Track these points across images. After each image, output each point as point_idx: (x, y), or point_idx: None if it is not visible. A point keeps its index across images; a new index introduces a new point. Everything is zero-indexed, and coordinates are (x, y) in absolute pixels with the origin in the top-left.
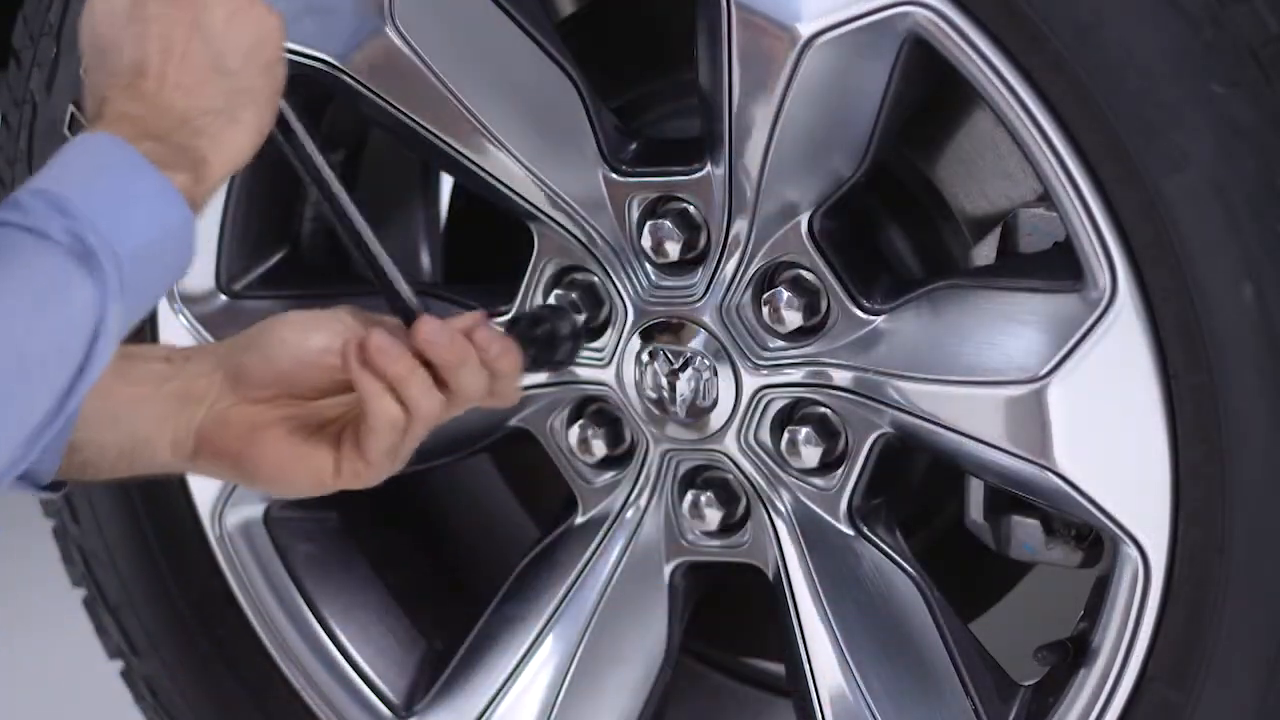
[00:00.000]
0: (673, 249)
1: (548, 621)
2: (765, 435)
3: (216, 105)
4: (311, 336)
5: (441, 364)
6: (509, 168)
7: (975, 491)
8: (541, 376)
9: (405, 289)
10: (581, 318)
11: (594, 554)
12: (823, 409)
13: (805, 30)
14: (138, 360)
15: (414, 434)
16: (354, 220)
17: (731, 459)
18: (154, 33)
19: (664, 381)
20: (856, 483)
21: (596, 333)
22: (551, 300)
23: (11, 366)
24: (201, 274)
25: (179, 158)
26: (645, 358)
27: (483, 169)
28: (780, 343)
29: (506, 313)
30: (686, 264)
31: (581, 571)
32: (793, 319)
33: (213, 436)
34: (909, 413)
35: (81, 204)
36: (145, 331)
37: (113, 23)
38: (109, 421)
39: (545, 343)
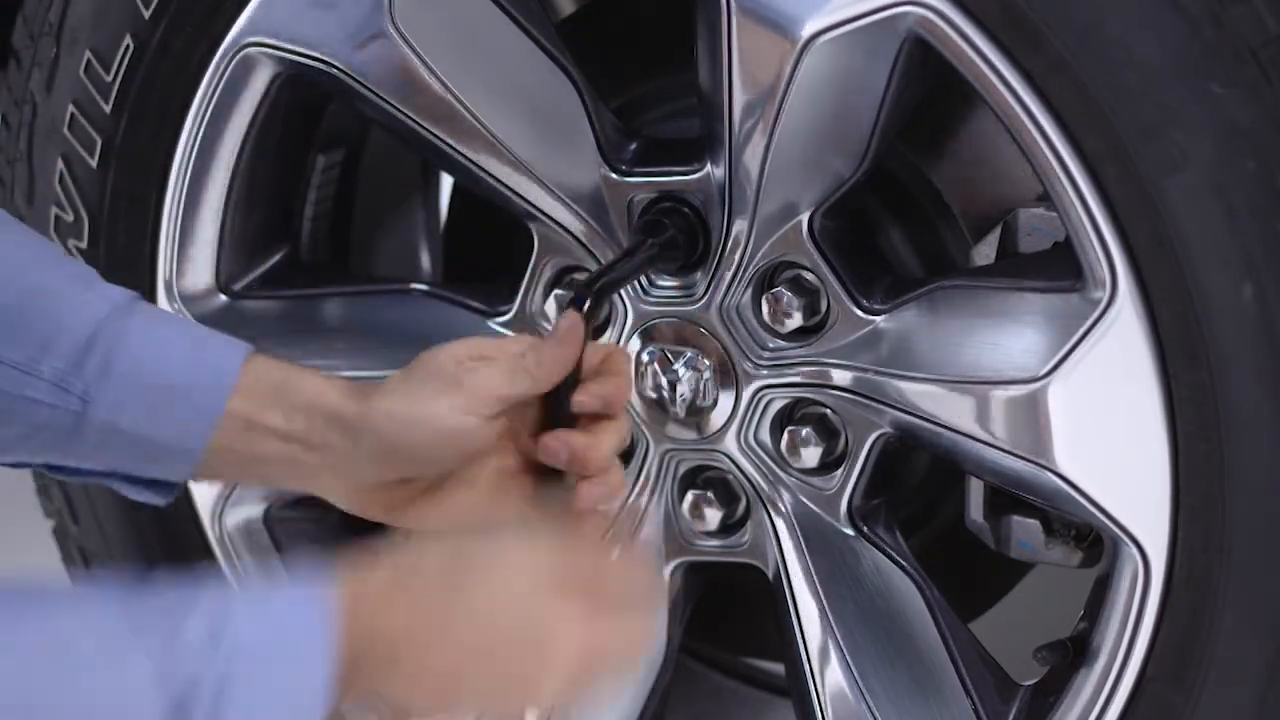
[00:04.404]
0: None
1: None
2: (765, 435)
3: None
4: (448, 451)
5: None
6: (509, 168)
7: (975, 491)
8: None
9: None
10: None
11: None
12: (823, 409)
13: (805, 30)
14: (255, 430)
15: None
16: None
17: (731, 459)
18: (500, 653)
19: (664, 381)
20: (856, 483)
21: (596, 333)
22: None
23: None
24: (200, 273)
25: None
26: (645, 358)
27: (483, 169)
28: (780, 343)
29: (507, 312)
30: (686, 264)
31: None
32: (793, 319)
33: (361, 510)
34: (909, 413)
35: (239, 695)
36: None
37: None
38: (239, 469)
39: (666, 248)
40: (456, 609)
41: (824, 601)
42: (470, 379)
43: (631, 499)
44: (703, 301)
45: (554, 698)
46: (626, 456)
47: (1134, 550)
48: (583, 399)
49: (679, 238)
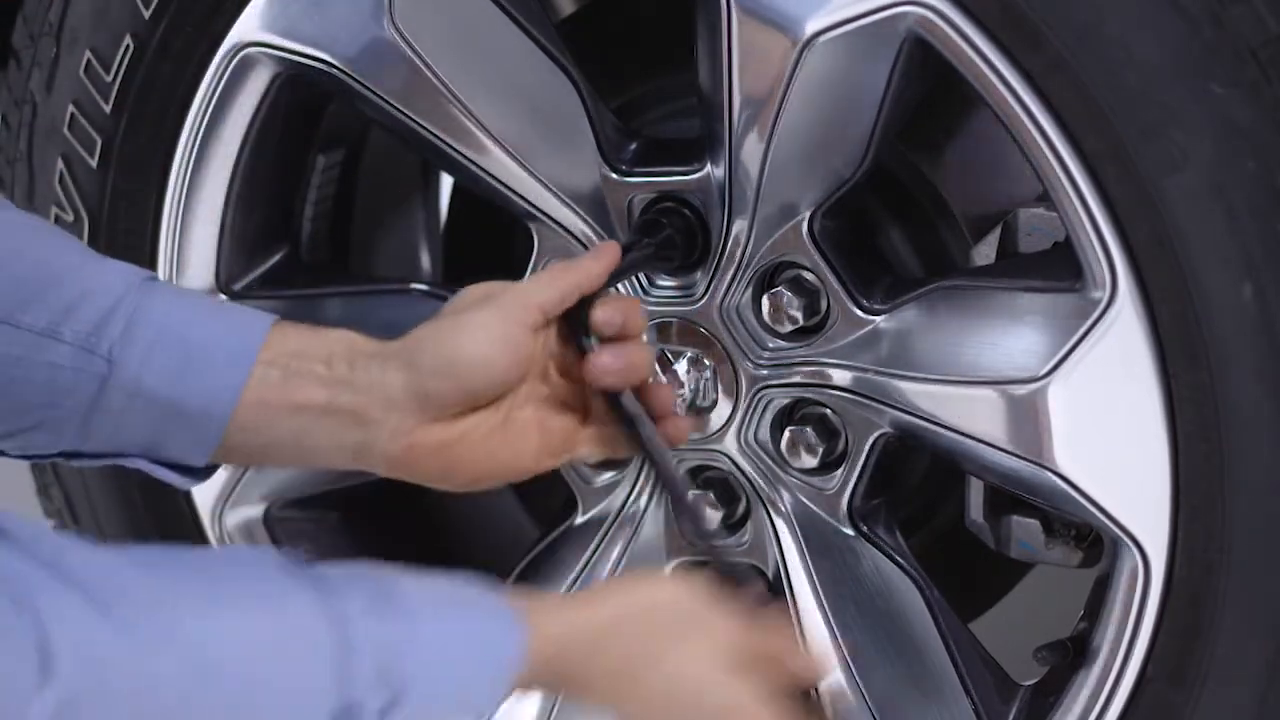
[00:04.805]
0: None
1: None
2: (765, 435)
3: None
4: (499, 357)
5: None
6: (509, 168)
7: (975, 491)
8: None
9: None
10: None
11: (594, 554)
12: (823, 409)
13: (805, 30)
14: (294, 377)
15: None
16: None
17: (731, 459)
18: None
19: (664, 381)
20: (856, 483)
21: None
22: None
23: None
24: (200, 273)
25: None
26: None
27: (483, 169)
28: (780, 343)
29: None
30: (684, 264)
31: (581, 572)
32: (793, 319)
33: (403, 458)
34: (909, 413)
35: (416, 699)
36: None
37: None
38: (269, 431)
39: (663, 247)
40: (649, 667)
41: (824, 601)
42: (507, 294)
43: (631, 500)
44: (703, 301)
45: None
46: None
47: (1134, 550)
48: (602, 315)
49: (676, 238)
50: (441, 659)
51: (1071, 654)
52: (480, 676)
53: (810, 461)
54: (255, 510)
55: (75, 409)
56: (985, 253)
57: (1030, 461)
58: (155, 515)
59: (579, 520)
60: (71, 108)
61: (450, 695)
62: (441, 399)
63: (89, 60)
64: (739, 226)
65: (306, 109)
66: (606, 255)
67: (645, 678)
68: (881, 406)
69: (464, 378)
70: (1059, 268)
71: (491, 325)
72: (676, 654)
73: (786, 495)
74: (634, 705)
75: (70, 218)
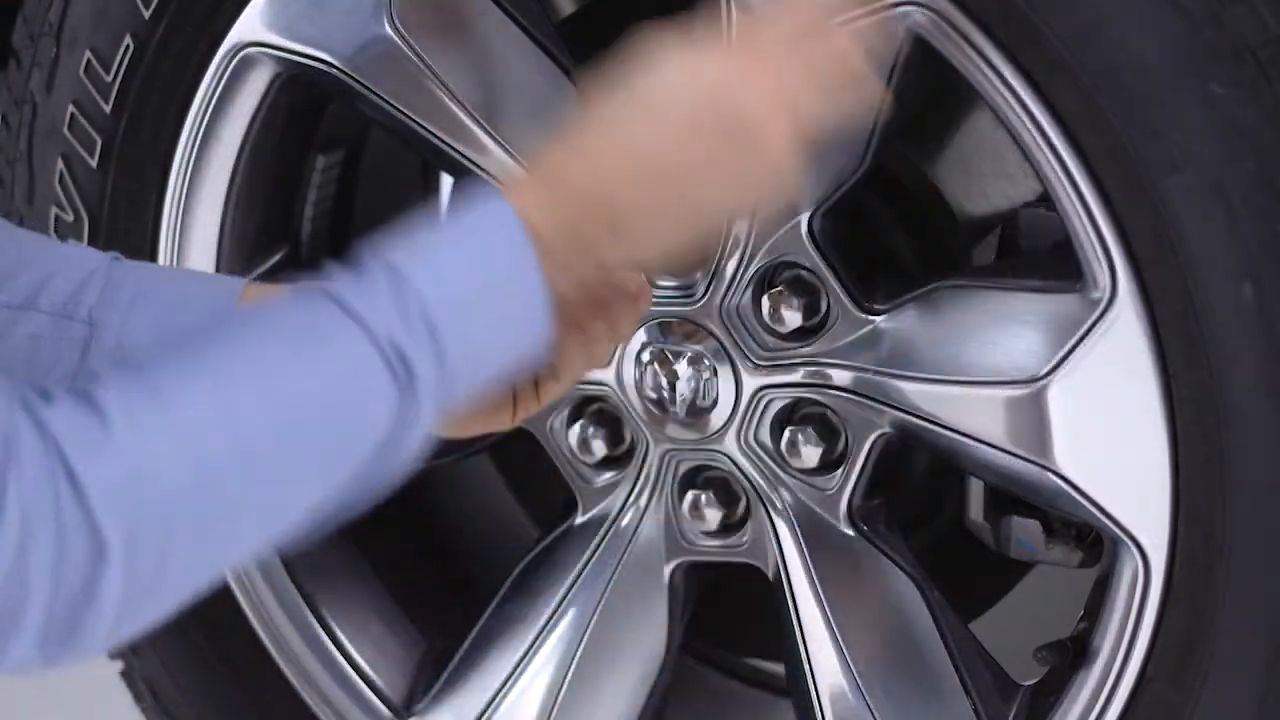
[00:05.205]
0: None
1: (548, 621)
2: (765, 435)
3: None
4: None
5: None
6: (509, 167)
7: (975, 491)
8: None
9: None
10: None
11: (594, 554)
12: (823, 409)
13: None
14: None
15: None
16: None
17: (731, 459)
18: (714, 168)
19: (664, 381)
20: (856, 483)
21: None
22: None
23: (286, 445)
24: None
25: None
26: (645, 357)
27: (483, 169)
28: (780, 343)
29: None
30: None
31: (581, 571)
32: (793, 319)
33: None
34: (909, 413)
35: (435, 307)
36: None
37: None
38: None
39: None
40: (637, 124)
41: (824, 602)
42: None
43: (631, 499)
44: (703, 301)
45: (784, 153)
46: (626, 457)
47: (1134, 550)
48: None
49: None
50: (450, 264)
51: (1071, 654)
52: (495, 251)
53: (810, 461)
54: None
55: (60, 382)
56: (985, 253)
57: (1030, 462)
58: None
59: (579, 520)
60: (71, 108)
61: (478, 285)
62: None
63: (89, 60)
64: (739, 226)
65: (306, 109)
66: None
67: (658, 142)
68: (881, 406)
69: None
70: (1059, 268)
71: None
72: (663, 90)
73: (786, 495)
74: (669, 181)
75: (70, 218)
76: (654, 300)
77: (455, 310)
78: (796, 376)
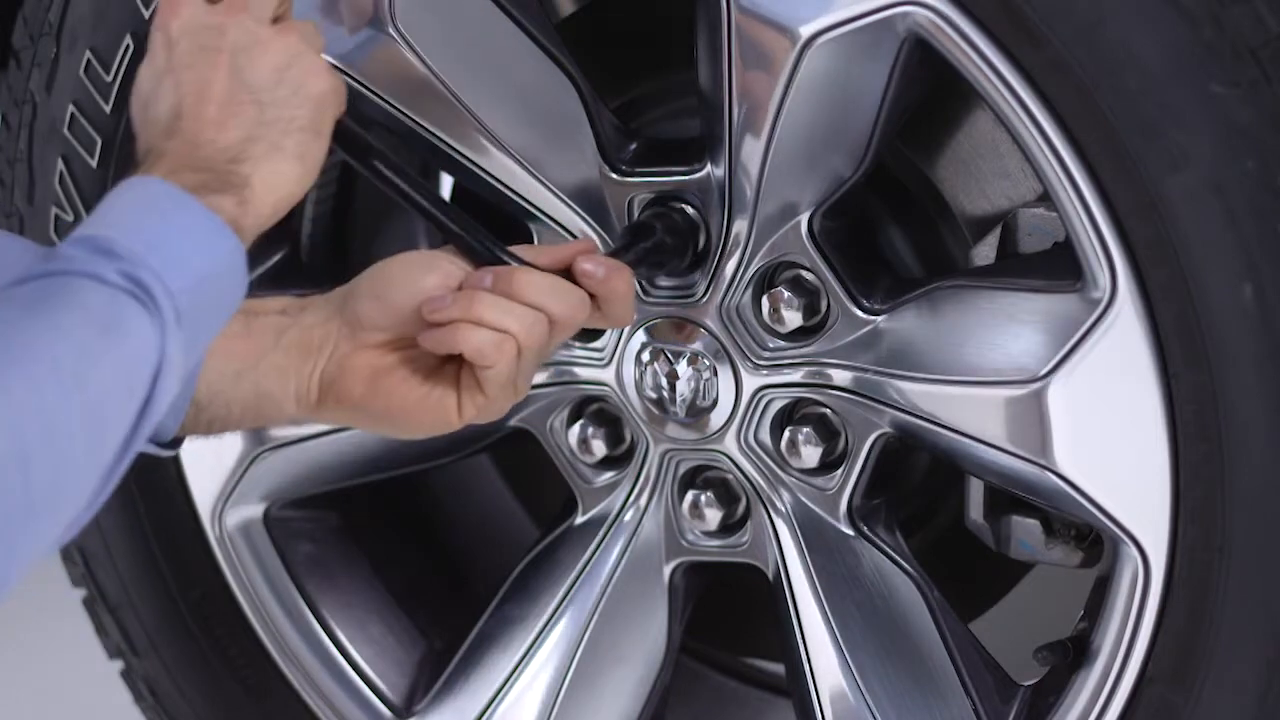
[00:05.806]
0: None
1: (548, 621)
2: (765, 435)
3: (254, 134)
4: (424, 278)
5: (528, 298)
6: (509, 167)
7: (975, 491)
8: (543, 376)
9: (486, 239)
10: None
11: (594, 554)
12: (823, 409)
13: (805, 30)
14: (255, 315)
15: (527, 363)
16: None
17: (731, 459)
18: (187, 78)
19: (664, 381)
20: (856, 483)
21: (595, 333)
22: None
23: (78, 405)
24: None
25: (220, 184)
26: (645, 357)
27: (483, 169)
28: (780, 343)
29: None
30: (679, 267)
31: (581, 571)
32: (793, 319)
33: (336, 385)
34: (909, 413)
35: (127, 243)
36: None
37: (153, 78)
38: (232, 379)
39: (653, 252)
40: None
41: (824, 602)
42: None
43: (631, 499)
44: (703, 301)
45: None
46: (626, 457)
47: (1134, 550)
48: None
49: (666, 242)
50: (116, 210)
51: (1071, 654)
52: (150, 192)
53: (810, 461)
54: (255, 510)
55: None
56: (985, 253)
57: (1030, 461)
58: (154, 515)
59: (579, 520)
60: (71, 108)
61: (160, 239)
62: (372, 319)
63: (89, 60)
64: (739, 226)
65: None
66: (553, 254)
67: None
68: (881, 406)
69: (390, 296)
70: (1059, 268)
71: (422, 255)
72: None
73: (786, 495)
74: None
75: (70, 218)
76: (655, 300)
77: (140, 236)
78: (796, 376)
